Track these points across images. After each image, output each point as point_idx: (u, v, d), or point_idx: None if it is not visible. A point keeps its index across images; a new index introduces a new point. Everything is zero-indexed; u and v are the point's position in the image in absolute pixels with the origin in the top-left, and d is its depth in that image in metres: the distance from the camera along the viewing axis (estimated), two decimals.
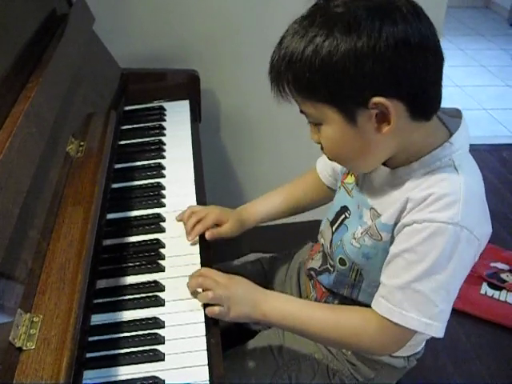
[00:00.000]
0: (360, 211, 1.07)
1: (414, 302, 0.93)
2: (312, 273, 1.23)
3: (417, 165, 0.95)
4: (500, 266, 2.37)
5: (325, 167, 1.30)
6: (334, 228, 1.14)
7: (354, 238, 1.06)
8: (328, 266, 1.17)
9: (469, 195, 0.90)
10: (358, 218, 1.07)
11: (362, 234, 1.04)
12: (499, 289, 2.27)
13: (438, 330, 0.94)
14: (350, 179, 1.13)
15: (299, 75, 0.87)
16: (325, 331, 1.03)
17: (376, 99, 0.84)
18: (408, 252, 0.92)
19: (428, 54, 0.86)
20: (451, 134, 0.96)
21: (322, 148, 0.98)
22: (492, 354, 2.04)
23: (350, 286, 1.12)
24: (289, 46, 0.87)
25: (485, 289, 2.27)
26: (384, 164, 1.00)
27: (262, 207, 1.33)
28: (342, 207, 1.13)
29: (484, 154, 3.22)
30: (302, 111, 0.94)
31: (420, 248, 0.91)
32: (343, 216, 1.12)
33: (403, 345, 1.03)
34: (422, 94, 0.87)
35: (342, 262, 1.10)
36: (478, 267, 2.29)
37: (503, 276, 2.32)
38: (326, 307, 1.11)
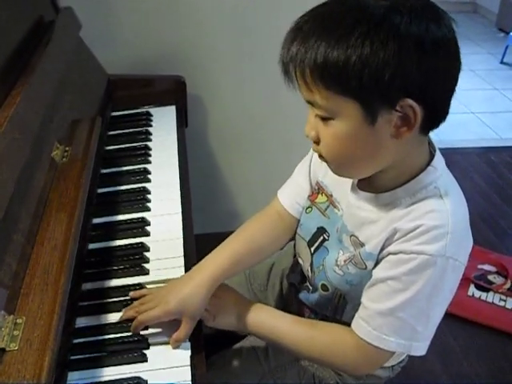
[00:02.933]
0: (339, 235, 1.05)
1: (395, 327, 0.93)
2: (292, 288, 1.23)
3: (401, 192, 0.94)
4: (487, 267, 2.39)
5: (296, 200, 1.18)
6: (312, 249, 1.12)
7: (337, 265, 1.04)
8: (307, 284, 1.16)
9: (456, 225, 0.90)
10: (338, 241, 1.05)
11: (345, 262, 1.02)
12: (486, 290, 2.29)
13: (416, 348, 0.95)
14: (322, 199, 1.11)
15: (332, 63, 0.80)
16: (300, 347, 1.04)
17: (407, 101, 0.81)
18: (393, 280, 0.92)
19: (457, 62, 0.85)
20: (431, 154, 0.95)
21: (316, 143, 0.92)
22: (480, 355, 2.06)
23: (334, 308, 1.10)
24: (322, 32, 0.82)
25: (472, 290, 2.29)
26: (366, 189, 0.99)
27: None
28: (318, 228, 1.11)
29: (472, 157, 3.25)
30: (309, 102, 0.88)
31: (405, 278, 0.90)
32: (322, 238, 1.10)
33: (379, 365, 1.04)
34: (442, 102, 0.86)
35: (325, 287, 1.09)
36: (466, 269, 2.29)
37: (490, 278, 2.34)
38: (306, 323, 1.10)
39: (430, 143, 0.97)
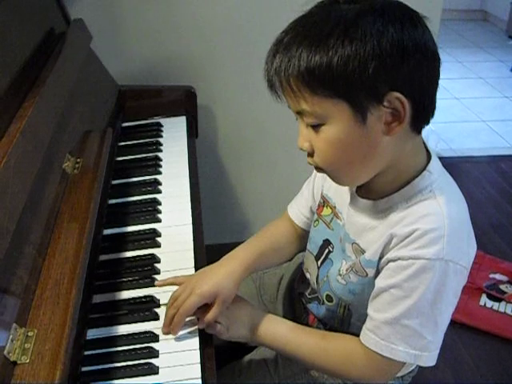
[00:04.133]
0: (342, 245, 1.06)
1: (402, 335, 0.93)
2: (302, 299, 1.23)
3: (398, 197, 0.94)
4: (499, 277, 2.37)
5: (300, 210, 1.24)
6: (319, 263, 1.13)
7: (340, 275, 1.05)
8: (318, 295, 1.16)
9: (453, 228, 0.90)
10: (341, 251, 1.06)
11: (347, 270, 1.03)
12: (499, 300, 2.26)
13: (427, 359, 0.94)
14: (327, 211, 1.12)
15: (316, 67, 0.82)
16: (313, 358, 1.04)
17: (394, 94, 0.83)
18: (394, 288, 0.92)
19: (436, 62, 0.88)
20: (428, 157, 0.96)
21: (311, 155, 0.93)
22: (491, 366, 2.04)
23: (340, 320, 1.11)
24: (302, 40, 0.84)
25: (484, 300, 2.26)
26: (365, 196, 1.00)
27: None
28: (324, 241, 1.12)
29: (483, 166, 3.23)
30: (298, 112, 0.90)
31: (406, 284, 0.91)
32: (327, 250, 1.11)
33: (392, 376, 1.04)
34: (429, 96, 0.88)
35: (329, 298, 1.10)
36: (477, 279, 2.29)
37: (502, 287, 2.32)
38: (317, 334, 1.09)
39: (427, 148, 0.99)
